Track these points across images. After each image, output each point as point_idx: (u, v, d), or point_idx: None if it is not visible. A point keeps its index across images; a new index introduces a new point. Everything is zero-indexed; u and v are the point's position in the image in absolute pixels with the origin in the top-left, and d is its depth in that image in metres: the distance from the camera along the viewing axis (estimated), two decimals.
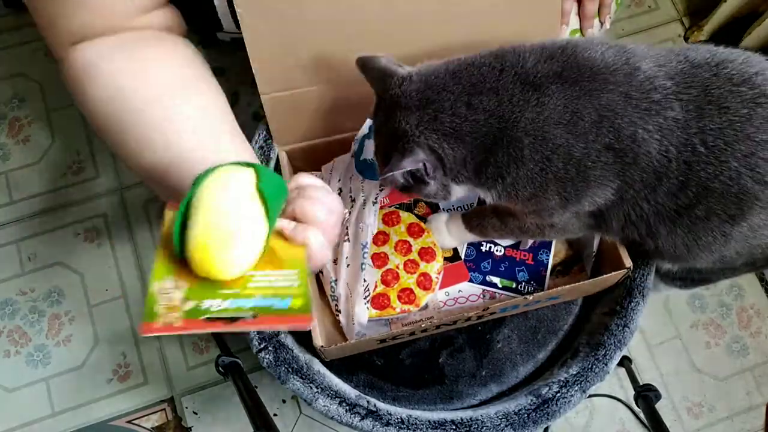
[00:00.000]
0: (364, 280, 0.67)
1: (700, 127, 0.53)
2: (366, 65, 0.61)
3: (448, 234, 0.70)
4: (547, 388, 0.66)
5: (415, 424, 0.65)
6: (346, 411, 0.64)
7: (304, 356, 0.67)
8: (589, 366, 0.67)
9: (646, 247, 0.63)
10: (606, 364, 0.67)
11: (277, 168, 0.75)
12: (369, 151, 0.71)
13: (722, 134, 0.53)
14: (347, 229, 0.69)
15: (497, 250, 0.73)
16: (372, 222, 0.69)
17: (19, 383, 1.11)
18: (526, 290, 0.72)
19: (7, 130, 1.22)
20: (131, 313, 1.14)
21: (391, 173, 0.57)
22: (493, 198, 0.59)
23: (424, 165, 0.56)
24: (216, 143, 0.62)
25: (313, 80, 0.70)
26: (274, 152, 0.76)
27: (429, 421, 0.65)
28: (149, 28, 0.66)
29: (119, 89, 0.62)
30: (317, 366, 0.67)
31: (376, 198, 0.70)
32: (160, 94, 0.63)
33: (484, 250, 0.73)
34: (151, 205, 1.19)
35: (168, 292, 0.41)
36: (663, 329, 1.16)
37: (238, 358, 0.82)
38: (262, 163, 0.71)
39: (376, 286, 0.69)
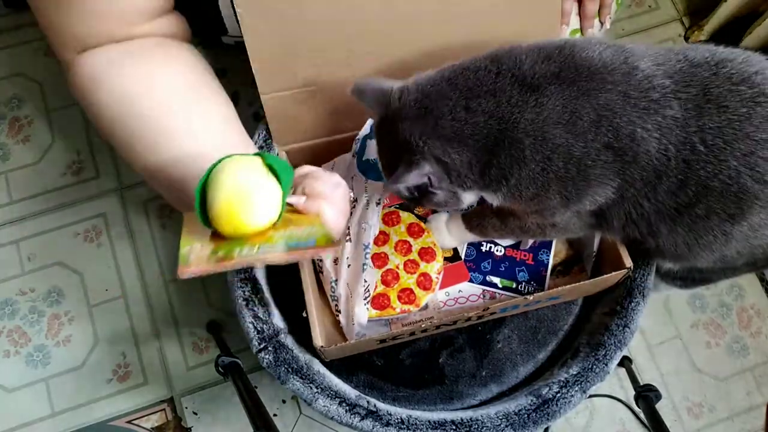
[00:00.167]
0: (365, 281, 0.67)
1: (699, 126, 0.53)
2: (361, 90, 0.60)
3: (448, 234, 0.70)
4: (548, 389, 0.66)
5: (415, 424, 0.65)
6: (346, 411, 0.64)
7: (304, 356, 0.67)
8: (590, 366, 0.67)
9: (647, 246, 0.63)
10: (606, 365, 0.67)
11: None
12: (371, 152, 0.71)
13: (721, 133, 0.53)
14: (349, 229, 0.69)
15: (497, 250, 0.73)
16: (375, 223, 0.69)
17: (18, 383, 1.11)
18: (526, 290, 0.72)
19: (7, 130, 1.22)
20: (131, 313, 1.14)
21: (396, 187, 0.57)
22: (499, 200, 0.59)
23: (429, 178, 0.56)
24: (221, 145, 0.63)
25: (313, 80, 0.70)
26: (273, 152, 0.76)
27: (429, 422, 0.65)
28: (155, 34, 0.67)
29: (127, 95, 0.63)
30: (317, 366, 0.67)
31: (379, 199, 0.70)
32: (166, 100, 0.64)
33: (484, 250, 0.73)
34: (151, 205, 1.19)
35: (197, 251, 0.46)
36: (663, 329, 1.16)
37: (238, 358, 0.82)
38: None
39: (376, 287, 0.69)
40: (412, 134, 0.56)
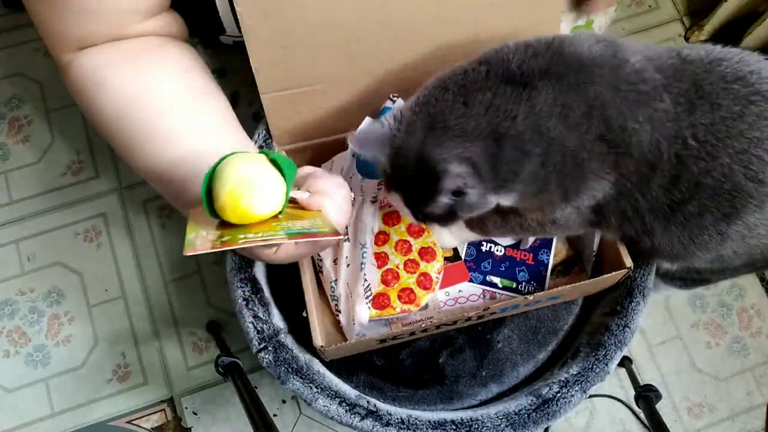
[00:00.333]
0: (365, 280, 0.67)
1: (691, 122, 0.53)
2: (361, 141, 0.57)
3: (448, 233, 0.70)
4: (548, 389, 0.66)
5: (415, 424, 0.65)
6: (346, 411, 0.64)
7: (304, 356, 0.67)
8: (590, 366, 0.67)
9: (643, 245, 0.63)
10: (606, 365, 0.67)
11: None
12: None
13: (714, 130, 0.53)
14: (347, 228, 0.69)
15: (497, 250, 0.73)
16: (371, 221, 0.69)
17: (18, 383, 1.11)
18: (526, 290, 0.72)
19: (6, 130, 1.22)
20: (131, 313, 1.14)
21: (437, 204, 0.55)
22: (512, 200, 0.58)
23: (463, 177, 0.54)
24: (220, 146, 0.63)
25: (312, 80, 0.70)
26: (265, 149, 0.76)
27: (429, 422, 0.65)
28: (152, 33, 0.67)
29: (127, 98, 0.63)
30: (317, 366, 0.67)
31: (374, 197, 0.70)
32: (166, 102, 0.64)
33: (484, 250, 0.73)
34: (151, 205, 1.19)
35: (203, 236, 0.47)
36: (663, 329, 1.16)
37: (238, 358, 0.82)
38: None
39: (376, 286, 0.69)
40: (425, 147, 0.54)
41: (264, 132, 0.75)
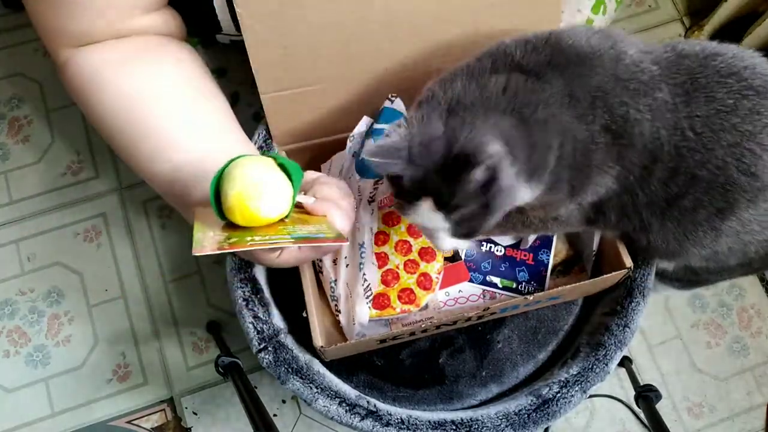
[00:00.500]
0: (365, 280, 0.67)
1: (688, 113, 0.53)
2: (377, 155, 0.51)
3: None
4: (548, 389, 0.66)
5: (415, 424, 0.65)
6: (346, 411, 0.64)
7: (304, 356, 0.67)
8: (590, 366, 0.67)
9: (639, 244, 0.63)
10: (606, 365, 0.67)
11: None
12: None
13: (709, 122, 0.53)
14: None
15: (497, 250, 0.73)
16: (369, 221, 0.69)
17: (18, 383, 1.11)
18: (526, 290, 0.72)
19: (6, 129, 1.22)
20: (131, 313, 1.14)
21: (471, 187, 0.50)
22: (540, 190, 0.55)
23: (497, 152, 0.50)
24: (221, 148, 0.63)
25: (312, 80, 0.70)
26: (273, 152, 0.76)
27: (429, 422, 0.65)
28: (150, 30, 0.67)
29: (127, 98, 0.63)
30: (317, 366, 0.67)
31: (372, 197, 0.70)
32: (167, 104, 0.64)
33: (484, 250, 0.73)
34: (151, 205, 1.19)
35: (210, 237, 0.48)
36: (663, 329, 1.16)
37: (238, 358, 0.82)
38: None
39: (376, 286, 0.69)
40: (449, 131, 0.51)
41: (264, 132, 0.75)
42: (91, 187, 1.19)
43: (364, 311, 0.66)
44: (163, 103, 0.64)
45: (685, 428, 1.12)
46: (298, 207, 0.54)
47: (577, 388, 0.66)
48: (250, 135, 0.72)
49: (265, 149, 0.75)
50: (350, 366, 0.72)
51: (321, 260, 0.71)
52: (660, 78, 0.54)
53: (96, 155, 1.21)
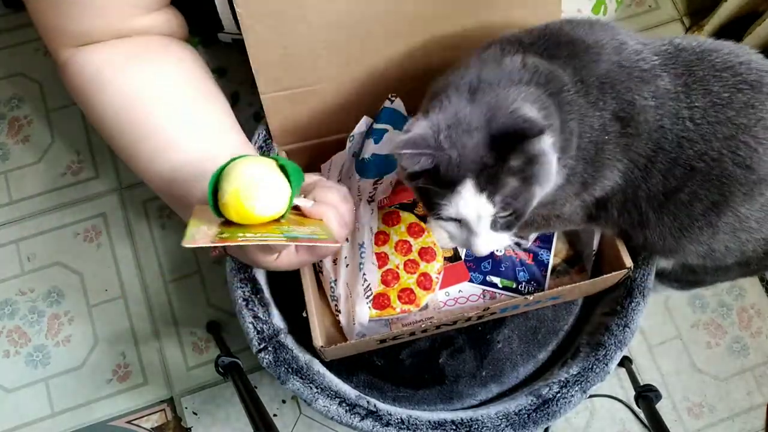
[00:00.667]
0: (365, 280, 0.67)
1: (689, 103, 0.54)
2: (409, 146, 0.49)
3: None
4: (548, 389, 0.66)
5: (415, 424, 0.65)
6: (346, 411, 0.64)
7: (304, 356, 0.67)
8: (590, 366, 0.67)
9: (637, 240, 0.64)
10: (606, 365, 0.67)
11: None
12: (367, 151, 0.71)
13: (706, 114, 0.54)
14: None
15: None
16: (368, 221, 0.69)
17: (18, 383, 1.11)
18: (526, 290, 0.72)
19: (6, 130, 1.22)
20: (131, 313, 1.14)
21: (516, 163, 0.48)
22: (559, 181, 0.54)
23: (540, 118, 0.49)
24: (224, 148, 0.63)
25: (312, 80, 0.70)
26: (273, 152, 0.76)
27: (429, 422, 0.65)
28: (152, 29, 0.67)
29: (128, 99, 0.63)
30: (317, 366, 0.67)
31: (371, 197, 0.70)
32: (168, 105, 0.64)
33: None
34: (151, 205, 1.19)
35: (204, 231, 0.48)
36: (663, 329, 1.16)
37: (238, 358, 0.82)
38: None
39: (376, 286, 0.69)
40: (487, 104, 0.49)
41: (264, 132, 0.75)
42: (91, 187, 1.19)
43: (364, 311, 0.66)
44: (164, 104, 0.64)
45: (685, 428, 1.12)
46: (297, 210, 0.54)
47: (577, 388, 0.66)
48: (250, 135, 0.72)
49: (265, 149, 0.75)
50: (350, 366, 0.72)
51: (321, 261, 0.71)
52: (660, 68, 0.55)
53: (96, 155, 1.21)
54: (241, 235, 0.47)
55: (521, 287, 0.72)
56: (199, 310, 1.14)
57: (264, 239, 0.48)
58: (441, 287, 0.71)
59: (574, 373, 0.67)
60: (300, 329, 0.69)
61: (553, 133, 0.50)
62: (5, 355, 1.12)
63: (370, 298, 0.67)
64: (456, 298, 0.72)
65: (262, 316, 0.68)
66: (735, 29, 1.23)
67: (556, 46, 0.55)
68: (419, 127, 0.50)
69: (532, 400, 0.66)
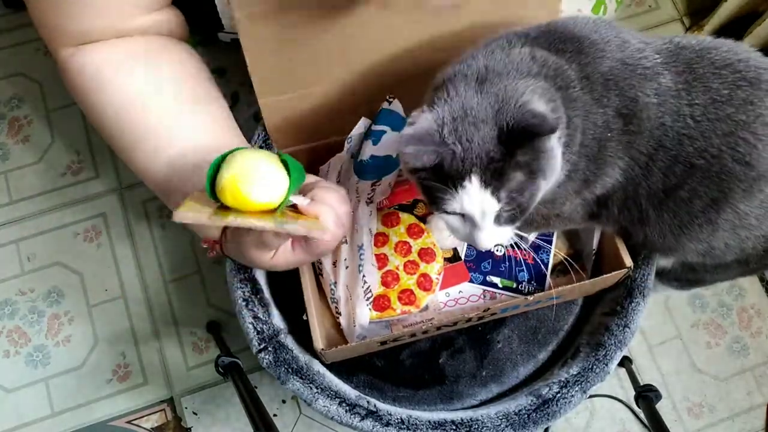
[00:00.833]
0: (365, 282, 0.67)
1: (690, 100, 0.54)
2: (413, 141, 0.49)
3: (448, 233, 0.70)
4: (548, 389, 0.66)
5: (415, 424, 0.65)
6: (346, 411, 0.64)
7: (303, 356, 0.67)
8: (590, 366, 0.67)
9: (636, 238, 0.64)
10: (606, 365, 0.67)
11: None
12: (366, 152, 0.71)
13: (707, 111, 0.54)
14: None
15: (497, 250, 0.73)
16: (367, 222, 0.68)
17: (18, 383, 1.11)
18: (526, 290, 0.72)
19: (6, 130, 1.22)
20: (131, 313, 1.14)
21: (524, 155, 0.48)
22: (561, 177, 0.55)
23: (548, 111, 0.49)
24: (222, 149, 0.63)
25: (310, 83, 0.70)
26: (273, 152, 0.76)
27: (429, 422, 0.65)
28: (152, 29, 0.67)
29: (128, 100, 0.63)
30: (317, 366, 0.67)
31: (370, 198, 0.69)
32: (167, 106, 0.64)
33: (484, 250, 0.73)
34: (151, 205, 1.19)
35: (196, 210, 0.49)
36: (663, 329, 1.16)
37: (238, 358, 0.82)
38: None
39: (376, 288, 0.69)
40: (495, 96, 0.49)
41: (263, 133, 0.75)
42: (91, 187, 1.19)
43: (364, 313, 0.66)
44: (163, 104, 0.64)
45: (685, 428, 1.12)
46: (293, 208, 0.54)
47: (577, 388, 0.66)
48: (249, 135, 0.72)
49: (264, 150, 0.75)
50: (350, 366, 0.72)
51: (321, 263, 0.71)
52: (662, 66, 0.55)
53: (96, 155, 1.21)
54: (232, 218, 0.48)
55: (521, 287, 0.72)
56: (199, 310, 1.14)
57: (254, 224, 0.48)
58: (441, 288, 0.71)
59: (574, 373, 0.67)
60: (300, 329, 0.69)
61: (561, 128, 0.51)
62: (5, 355, 1.12)
63: (370, 299, 0.67)
64: (456, 298, 0.72)
65: (262, 317, 0.68)
66: (735, 29, 1.23)
67: (562, 41, 0.55)
68: (424, 120, 0.50)
69: (532, 400, 0.66)
